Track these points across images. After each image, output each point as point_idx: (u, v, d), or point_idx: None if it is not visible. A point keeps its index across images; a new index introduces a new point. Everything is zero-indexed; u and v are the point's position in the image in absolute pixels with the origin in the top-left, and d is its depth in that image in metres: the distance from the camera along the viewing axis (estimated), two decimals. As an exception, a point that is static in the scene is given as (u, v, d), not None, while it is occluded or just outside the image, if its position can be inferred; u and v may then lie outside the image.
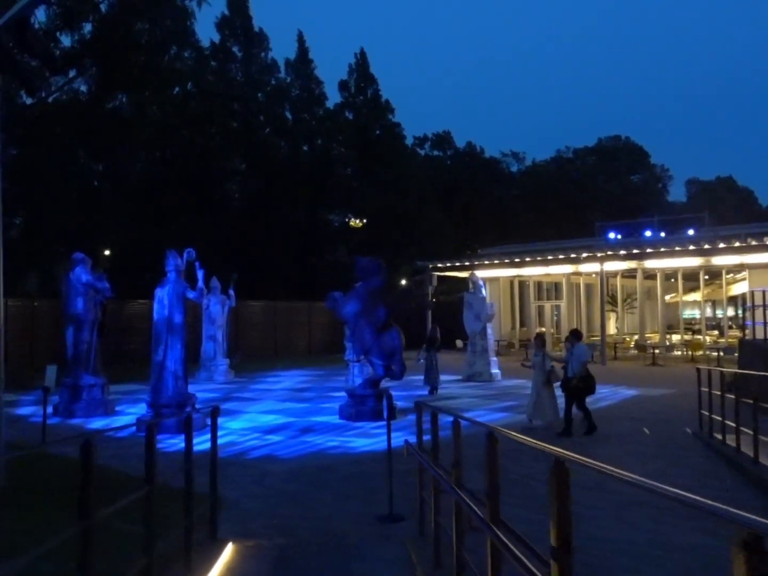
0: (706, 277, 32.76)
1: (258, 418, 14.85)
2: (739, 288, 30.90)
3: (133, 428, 13.39)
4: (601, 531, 7.00)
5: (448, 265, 30.66)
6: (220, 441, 12.67)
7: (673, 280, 32.76)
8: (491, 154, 65.20)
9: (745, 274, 28.43)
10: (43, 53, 10.28)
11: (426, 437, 11.92)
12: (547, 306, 33.93)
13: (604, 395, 18.10)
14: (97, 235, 33.58)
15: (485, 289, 22.21)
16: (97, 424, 14.36)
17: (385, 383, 15.39)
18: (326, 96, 47.29)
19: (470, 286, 22.22)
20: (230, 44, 43.25)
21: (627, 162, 62.72)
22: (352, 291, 14.82)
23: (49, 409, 15.43)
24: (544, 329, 32.92)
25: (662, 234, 28.89)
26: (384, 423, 14.66)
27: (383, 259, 15.18)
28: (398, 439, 12.65)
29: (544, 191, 58.64)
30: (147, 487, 4.97)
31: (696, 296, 33.43)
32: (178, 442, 12.31)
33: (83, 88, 23.36)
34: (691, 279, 33.24)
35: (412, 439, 13.14)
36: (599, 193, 57.69)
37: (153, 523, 5.65)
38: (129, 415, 15.43)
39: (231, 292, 22.56)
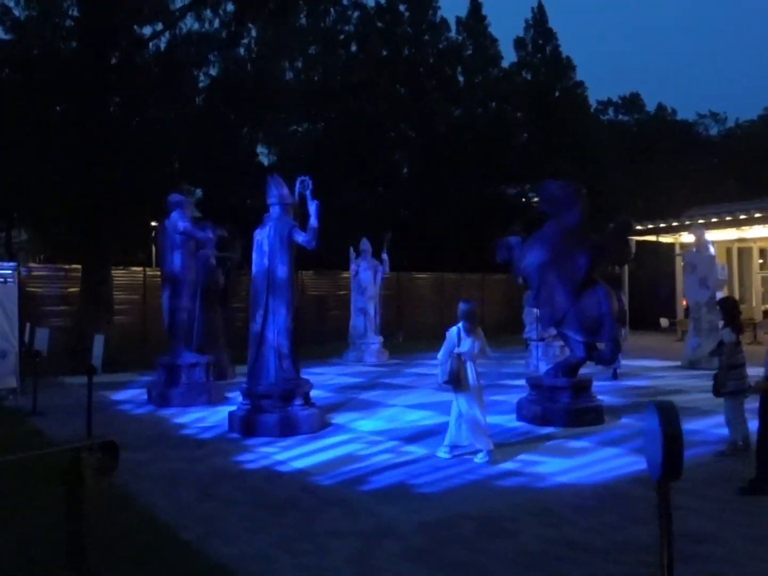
0: None
1: (402, 416, 10.17)
2: None
3: (224, 426, 9.23)
4: None
5: (650, 227, 24.40)
6: (335, 454, 7.89)
7: None
8: (685, 116, 56.51)
9: None
10: None
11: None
12: (778, 277, 26.59)
13: None
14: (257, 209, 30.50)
15: (713, 248, 16.13)
16: (191, 416, 10.32)
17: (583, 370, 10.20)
18: (501, 55, 41.73)
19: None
20: (397, 2, 38.92)
21: None
22: (536, 233, 9.73)
23: (145, 395, 11.77)
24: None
25: None
26: (589, 430, 9.43)
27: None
28: (615, 461, 7.52)
29: (752, 156, 49.45)
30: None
31: None
32: (275, 453, 7.91)
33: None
34: None
35: (640, 464, 7.76)
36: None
37: None
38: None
39: (384, 256, 18.06)
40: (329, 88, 35.65)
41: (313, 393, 11.06)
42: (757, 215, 21.73)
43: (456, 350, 7.35)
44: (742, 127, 55.19)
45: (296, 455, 7.72)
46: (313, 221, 8.91)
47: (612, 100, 55.18)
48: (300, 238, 8.95)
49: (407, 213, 36.90)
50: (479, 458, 7.37)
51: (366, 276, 17.68)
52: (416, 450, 7.92)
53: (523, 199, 42.09)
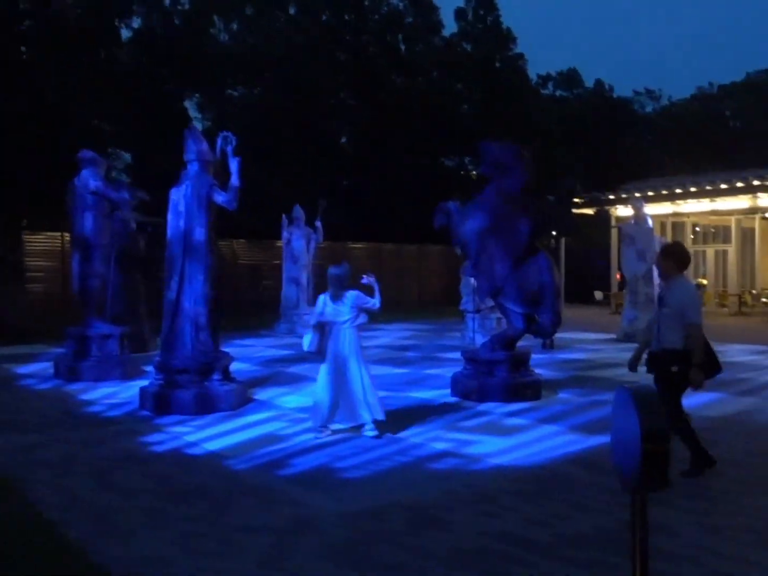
0: None
1: (331, 391, 9.52)
2: None
3: (136, 403, 8.42)
4: None
5: (586, 199, 24.26)
6: (254, 433, 7.03)
7: None
8: (621, 93, 56.94)
9: None
10: None
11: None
12: (710, 252, 26.76)
13: None
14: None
15: (651, 220, 15.91)
16: (101, 392, 9.45)
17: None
18: (442, 24, 40.94)
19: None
20: (337, -35, 37.64)
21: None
22: (476, 198, 9.14)
23: (52, 368, 10.81)
24: (705, 281, 25.95)
25: None
26: (527, 406, 9.02)
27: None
28: (555, 440, 7.05)
29: (686, 134, 50.22)
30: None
31: None
32: (187, 433, 7.15)
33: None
34: None
35: (588, 441, 6.93)
36: (754, 134, 48.63)
37: None
38: (157, 379, 10.44)
39: (318, 223, 17.25)
40: (268, 52, 34.43)
41: (238, 366, 10.36)
42: (692, 189, 21.76)
43: (320, 319, 6.83)
44: (677, 105, 55.88)
45: (211, 435, 6.99)
46: (234, 180, 8.10)
47: (551, 75, 55.06)
48: (220, 198, 8.13)
49: (348, 182, 36.11)
50: (368, 432, 6.90)
51: (299, 244, 16.88)
52: (343, 428, 7.28)
53: (462, 172, 41.76)
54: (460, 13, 42.78)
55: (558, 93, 55.33)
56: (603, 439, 6.80)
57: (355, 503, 5.10)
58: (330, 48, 36.80)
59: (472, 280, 10.88)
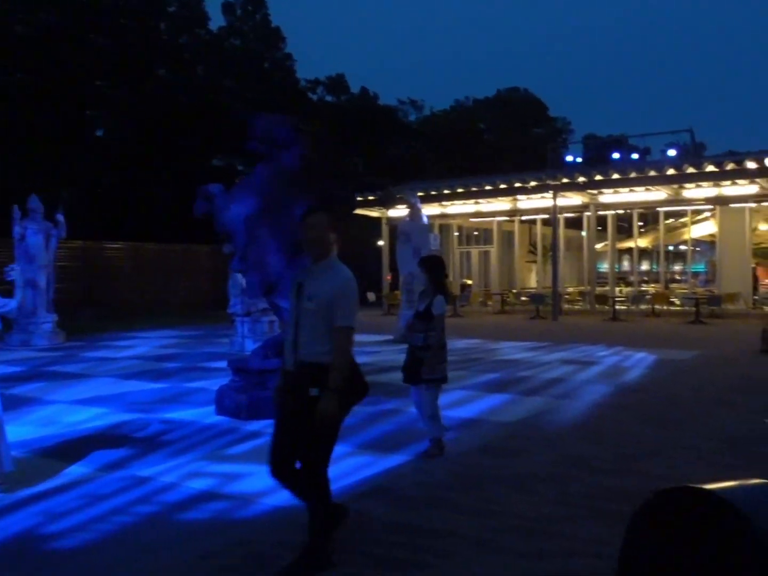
0: (641, 223, 27.56)
1: (63, 416, 7.48)
2: (699, 231, 25.55)
3: None
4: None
5: (359, 199, 23.66)
6: None
7: (626, 223, 27.29)
8: (386, 101, 58.49)
9: (707, 214, 23.28)
10: None
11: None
12: (475, 253, 27.49)
13: (616, 361, 11.89)
14: None
15: (426, 218, 15.43)
16: None
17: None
18: (208, 16, 38.78)
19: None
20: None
21: (527, 114, 57.20)
22: (245, 178, 7.67)
23: None
24: (470, 281, 26.58)
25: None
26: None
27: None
28: (342, 463, 5.78)
29: (447, 143, 52.75)
30: None
31: (644, 242, 27.81)
32: None
33: None
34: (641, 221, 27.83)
35: (381, 463, 4.97)
36: (504, 145, 52.20)
37: None
38: None
39: (59, 217, 14.56)
40: (7, 28, 30.25)
41: (-65, 391, 7.92)
42: (459, 190, 22.02)
43: None
44: (438, 115, 58.44)
45: None
46: None
47: (320, 80, 54.92)
48: None
49: (107, 178, 32.78)
50: None
51: (35, 241, 14.14)
52: (68, 469, 5.45)
53: (234, 174, 39.99)
54: (227, 7, 41.09)
55: (327, 98, 55.34)
56: (399, 458, 5.71)
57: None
58: (86, 30, 33.22)
59: (241, 278, 9.38)
